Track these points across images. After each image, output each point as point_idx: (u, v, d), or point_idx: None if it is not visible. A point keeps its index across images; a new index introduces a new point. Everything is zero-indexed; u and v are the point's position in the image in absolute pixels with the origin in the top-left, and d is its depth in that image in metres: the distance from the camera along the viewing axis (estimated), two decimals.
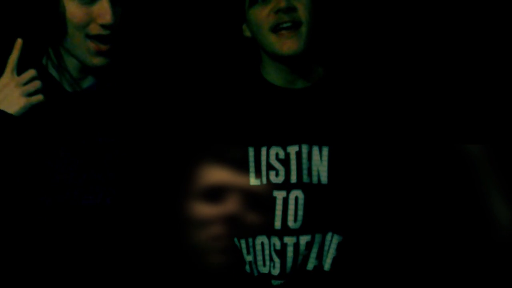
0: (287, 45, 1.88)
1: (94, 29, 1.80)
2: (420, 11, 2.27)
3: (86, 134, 1.86)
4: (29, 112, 1.82)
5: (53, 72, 1.89)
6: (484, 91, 2.23)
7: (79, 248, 1.83)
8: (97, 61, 1.82)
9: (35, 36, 1.88)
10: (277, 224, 1.88)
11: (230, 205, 1.91)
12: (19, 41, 1.79)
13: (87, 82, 1.90)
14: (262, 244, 1.89)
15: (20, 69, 1.90)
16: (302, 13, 1.88)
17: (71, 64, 1.87)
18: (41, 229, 1.83)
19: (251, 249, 1.90)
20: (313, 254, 1.89)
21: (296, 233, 1.88)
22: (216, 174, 1.94)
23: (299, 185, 1.89)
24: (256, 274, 1.91)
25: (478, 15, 2.24)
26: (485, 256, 2.08)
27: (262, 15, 1.89)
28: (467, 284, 2.07)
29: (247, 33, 1.97)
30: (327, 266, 1.90)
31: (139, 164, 1.87)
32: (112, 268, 1.85)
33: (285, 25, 1.88)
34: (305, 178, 1.89)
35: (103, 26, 1.79)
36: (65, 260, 1.83)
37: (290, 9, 1.87)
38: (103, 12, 1.79)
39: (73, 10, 1.80)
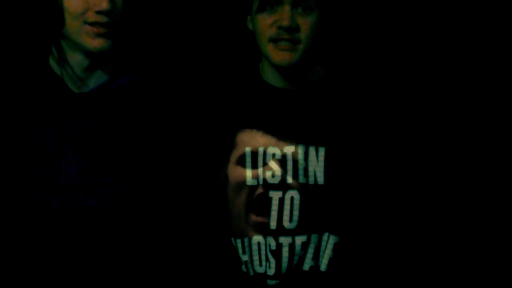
0: (281, 56, 1.88)
1: (91, 17, 1.82)
2: (420, 12, 2.27)
3: (92, 135, 1.87)
4: (35, 113, 1.84)
5: (58, 72, 1.90)
6: (486, 91, 2.23)
7: (85, 249, 1.84)
8: (96, 43, 1.83)
9: (35, 28, 1.90)
10: (273, 224, 1.89)
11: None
12: None
13: (93, 83, 1.91)
14: (258, 244, 1.90)
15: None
16: (304, 33, 1.87)
17: (75, 60, 1.88)
18: (47, 231, 1.84)
19: (247, 249, 1.91)
20: (309, 255, 1.89)
21: (291, 233, 1.88)
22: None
23: (295, 185, 1.89)
24: (252, 274, 1.91)
25: (477, 13, 2.23)
26: (484, 256, 2.07)
27: (265, 24, 1.89)
28: (466, 284, 2.07)
29: (251, 26, 1.97)
30: (323, 266, 1.90)
31: (145, 165, 1.88)
32: (118, 269, 1.86)
33: (283, 42, 1.87)
34: (302, 179, 1.89)
35: (99, 12, 1.80)
36: (72, 262, 1.84)
37: (292, 29, 1.86)
38: (99, 0, 1.80)
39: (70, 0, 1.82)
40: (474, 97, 2.20)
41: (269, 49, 1.88)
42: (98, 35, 1.82)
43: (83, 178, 1.84)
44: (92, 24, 1.81)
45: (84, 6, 1.81)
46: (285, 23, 1.85)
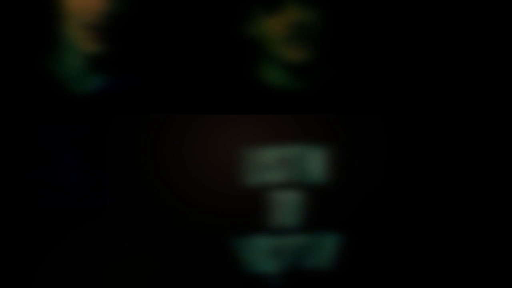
0: (293, 55, 1.88)
1: (90, 18, 1.81)
2: (423, 13, 2.27)
3: (91, 137, 1.87)
4: (33, 114, 1.85)
5: (56, 73, 1.91)
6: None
7: (82, 251, 1.84)
8: (92, 47, 1.83)
9: (32, 26, 1.91)
10: (274, 223, 1.89)
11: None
12: None
13: (91, 84, 1.91)
14: (259, 243, 1.90)
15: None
16: (313, 27, 1.88)
17: (74, 61, 1.89)
18: (47, 233, 1.84)
19: (247, 248, 1.91)
20: (311, 254, 1.89)
21: (293, 232, 1.88)
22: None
23: (297, 184, 1.89)
24: (252, 273, 1.91)
25: (477, 12, 2.23)
26: (486, 256, 2.07)
27: (273, 25, 1.89)
28: (468, 285, 2.07)
29: (252, 31, 1.97)
30: (325, 266, 1.90)
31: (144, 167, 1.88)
32: (117, 270, 1.86)
33: (294, 40, 1.87)
34: (304, 178, 1.90)
35: (97, 15, 1.80)
36: (71, 263, 1.84)
37: (302, 25, 1.86)
38: (98, 1, 1.80)
39: None
40: (480, 98, 2.20)
41: (279, 50, 1.88)
42: (93, 39, 1.82)
43: (82, 181, 1.84)
44: (89, 25, 1.81)
45: (83, 6, 1.82)
46: (294, 19, 1.85)
